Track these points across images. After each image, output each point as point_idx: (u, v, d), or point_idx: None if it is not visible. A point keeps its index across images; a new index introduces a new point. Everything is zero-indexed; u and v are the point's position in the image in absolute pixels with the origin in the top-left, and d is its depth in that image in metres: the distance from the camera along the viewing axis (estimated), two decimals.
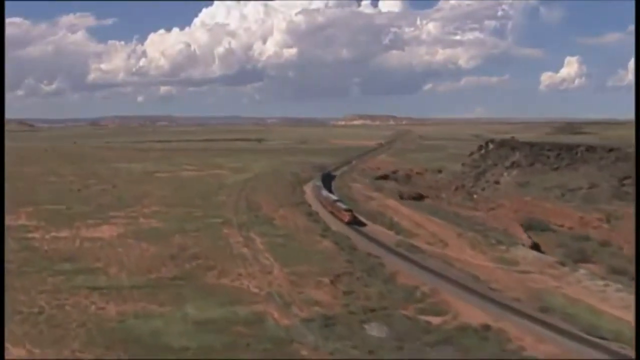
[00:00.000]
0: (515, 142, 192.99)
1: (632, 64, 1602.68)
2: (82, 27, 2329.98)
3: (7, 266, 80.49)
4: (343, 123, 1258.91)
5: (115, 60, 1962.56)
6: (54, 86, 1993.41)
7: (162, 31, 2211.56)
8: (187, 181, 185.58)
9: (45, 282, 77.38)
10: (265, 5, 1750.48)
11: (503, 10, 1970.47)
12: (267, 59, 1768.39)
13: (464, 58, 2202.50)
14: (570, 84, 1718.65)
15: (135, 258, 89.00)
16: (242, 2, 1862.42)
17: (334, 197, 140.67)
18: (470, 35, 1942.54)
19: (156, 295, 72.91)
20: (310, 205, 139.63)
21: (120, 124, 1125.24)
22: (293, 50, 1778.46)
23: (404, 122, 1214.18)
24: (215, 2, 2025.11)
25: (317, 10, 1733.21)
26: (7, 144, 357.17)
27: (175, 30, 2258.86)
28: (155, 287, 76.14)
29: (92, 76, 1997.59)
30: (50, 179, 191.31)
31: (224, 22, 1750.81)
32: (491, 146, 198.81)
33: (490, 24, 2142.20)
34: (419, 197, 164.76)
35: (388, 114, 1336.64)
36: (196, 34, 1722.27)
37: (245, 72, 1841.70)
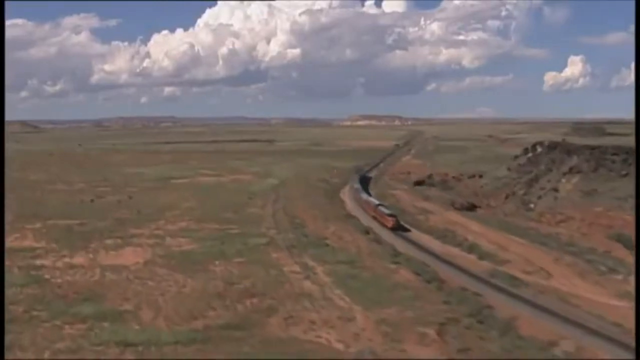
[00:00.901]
0: (570, 145, 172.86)
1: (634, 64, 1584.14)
2: (85, 28, 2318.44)
3: (12, 309, 62.64)
4: (348, 123, 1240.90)
5: (118, 61, 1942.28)
6: (57, 87, 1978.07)
7: (165, 32, 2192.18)
8: (210, 189, 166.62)
9: (61, 334, 58.05)
10: (269, 6, 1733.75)
11: (507, 10, 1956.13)
12: (270, 59, 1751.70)
13: (467, 58, 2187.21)
14: (574, 83, 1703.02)
15: (172, 296, 69.53)
16: (245, 2, 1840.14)
17: (375, 201, 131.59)
18: (474, 35, 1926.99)
19: (209, 354, 53.46)
20: (359, 219, 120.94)
21: (123, 125, 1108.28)
22: (297, 51, 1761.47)
23: (409, 123, 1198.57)
24: (219, 3, 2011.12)
25: (321, 10, 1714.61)
26: (11, 146, 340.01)
27: (179, 31, 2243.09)
28: (205, 342, 56.84)
29: (95, 77, 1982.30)
30: (58, 187, 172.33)
31: (228, 23, 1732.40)
32: (539, 149, 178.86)
33: (494, 24, 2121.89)
34: (472, 207, 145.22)
35: (393, 115, 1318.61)
36: (200, 34, 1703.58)
37: (248, 73, 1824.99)
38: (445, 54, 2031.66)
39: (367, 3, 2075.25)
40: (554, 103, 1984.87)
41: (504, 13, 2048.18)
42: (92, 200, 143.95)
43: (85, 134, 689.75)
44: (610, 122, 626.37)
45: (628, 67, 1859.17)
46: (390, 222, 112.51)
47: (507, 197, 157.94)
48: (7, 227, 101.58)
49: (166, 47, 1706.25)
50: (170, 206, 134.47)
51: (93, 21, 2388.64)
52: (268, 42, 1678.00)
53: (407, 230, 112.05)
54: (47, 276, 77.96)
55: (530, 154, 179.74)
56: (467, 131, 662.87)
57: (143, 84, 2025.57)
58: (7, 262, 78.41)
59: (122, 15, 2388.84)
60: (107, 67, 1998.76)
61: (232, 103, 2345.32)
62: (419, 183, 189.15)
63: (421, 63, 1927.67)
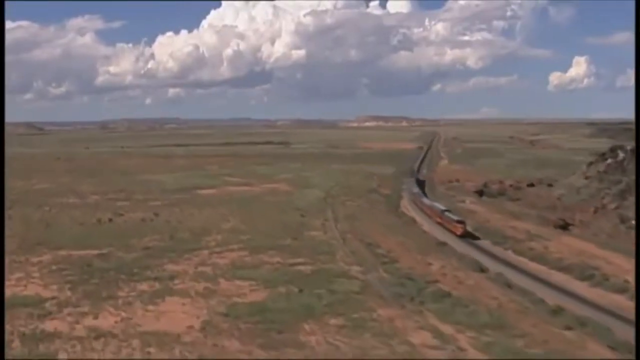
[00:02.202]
0: None
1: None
2: (90, 29, 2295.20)
3: None
4: (355, 124, 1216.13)
5: (123, 63, 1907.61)
6: (62, 89, 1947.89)
7: (170, 33, 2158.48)
8: (246, 203, 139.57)
9: None
10: (274, 7, 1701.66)
11: (512, 10, 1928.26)
12: (275, 60, 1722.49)
13: (472, 58, 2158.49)
14: (579, 84, 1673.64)
15: None
16: (250, 3, 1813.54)
17: (441, 207, 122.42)
18: (478, 36, 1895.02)
19: None
20: (450, 245, 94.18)
21: (128, 127, 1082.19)
22: (302, 52, 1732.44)
23: (417, 124, 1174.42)
24: (224, 4, 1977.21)
25: (326, 11, 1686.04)
26: (15, 149, 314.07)
27: (184, 32, 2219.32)
28: None
29: (100, 79, 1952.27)
30: (68, 199, 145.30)
31: (232, 24, 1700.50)
32: (621, 154, 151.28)
33: (499, 24, 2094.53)
34: (565, 226, 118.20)
35: (401, 115, 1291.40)
36: (204, 36, 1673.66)
37: (253, 74, 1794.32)
38: (450, 55, 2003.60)
39: (371, 4, 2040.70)
40: (558, 103, 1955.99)
41: (509, 13, 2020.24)
42: (110, 220, 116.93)
43: (91, 136, 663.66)
44: (624, 123, 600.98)
45: (632, 67, 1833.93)
46: (459, 229, 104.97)
47: (596, 212, 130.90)
48: (7, 261, 77.25)
49: (171, 48, 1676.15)
50: (209, 228, 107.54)
51: (98, 23, 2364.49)
52: (273, 43, 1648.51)
53: (476, 238, 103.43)
54: (63, 357, 50.68)
55: (609, 160, 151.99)
56: (484, 132, 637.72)
57: (148, 86, 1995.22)
58: (6, 326, 54.93)
59: (127, 16, 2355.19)
60: (111, 69, 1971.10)
61: (236, 104, 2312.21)
62: (479, 193, 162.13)
63: (426, 64, 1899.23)
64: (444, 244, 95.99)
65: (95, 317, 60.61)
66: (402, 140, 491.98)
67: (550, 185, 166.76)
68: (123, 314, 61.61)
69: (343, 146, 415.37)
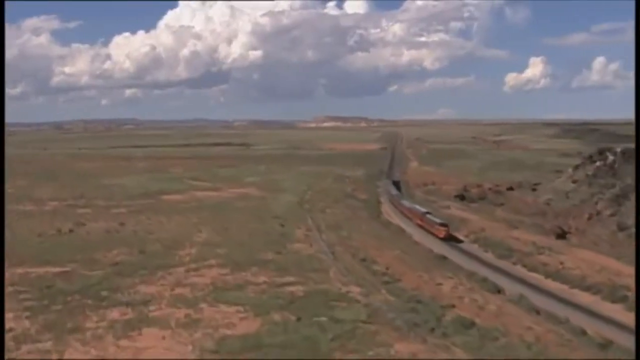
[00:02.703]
0: None
1: (597, 63, 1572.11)
2: (46, 30, 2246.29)
3: None
4: (313, 125, 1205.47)
5: (79, 64, 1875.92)
6: (18, 90, 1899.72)
7: (127, 34, 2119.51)
8: (217, 209, 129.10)
9: None
10: (231, 8, 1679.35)
11: (469, 11, 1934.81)
12: (232, 61, 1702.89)
13: (429, 59, 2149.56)
14: (535, 84, 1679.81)
15: None
16: (207, 3, 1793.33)
17: (422, 209, 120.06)
18: (435, 37, 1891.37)
19: None
20: (452, 260, 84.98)
21: (84, 128, 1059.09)
22: (258, 52, 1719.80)
23: (375, 124, 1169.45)
24: (180, 4, 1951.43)
25: (282, 12, 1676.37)
26: None
27: (140, 32, 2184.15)
28: None
29: (56, 79, 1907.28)
30: (25, 207, 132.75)
31: (189, 25, 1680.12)
32: (611, 157, 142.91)
33: (456, 25, 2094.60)
34: (563, 234, 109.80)
35: (359, 116, 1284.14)
36: (161, 36, 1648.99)
37: (210, 75, 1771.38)
38: (407, 56, 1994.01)
39: (328, 4, 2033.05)
40: (515, 104, 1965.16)
41: (465, 14, 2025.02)
42: (71, 230, 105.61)
43: (47, 137, 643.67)
44: (587, 123, 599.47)
45: (589, 68, 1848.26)
46: (442, 232, 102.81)
47: (590, 218, 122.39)
48: None
49: (127, 48, 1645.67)
50: (180, 239, 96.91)
51: (54, 23, 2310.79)
52: (229, 43, 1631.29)
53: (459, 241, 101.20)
54: None
55: (598, 163, 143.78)
56: (444, 132, 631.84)
57: (104, 86, 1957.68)
58: None
59: (83, 16, 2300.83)
60: (67, 69, 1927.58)
61: (193, 105, 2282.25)
62: (460, 197, 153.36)
63: (383, 64, 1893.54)
64: (443, 257, 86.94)
65: (60, 356, 49.93)
66: (364, 141, 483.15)
67: (534, 189, 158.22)
68: (93, 351, 51.37)
69: (305, 147, 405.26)
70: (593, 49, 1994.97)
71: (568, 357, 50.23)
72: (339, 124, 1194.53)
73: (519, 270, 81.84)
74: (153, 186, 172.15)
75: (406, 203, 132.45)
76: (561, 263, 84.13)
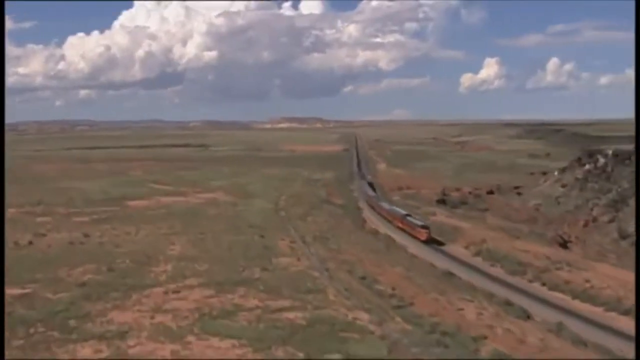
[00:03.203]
0: None
1: (551, 64, 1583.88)
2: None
3: None
4: (269, 126, 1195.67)
5: (33, 64, 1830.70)
6: None
7: (81, 34, 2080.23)
8: (187, 217, 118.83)
9: None
10: (186, 8, 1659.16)
11: (424, 12, 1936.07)
12: (187, 61, 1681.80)
13: (384, 60, 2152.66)
14: (490, 85, 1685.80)
15: None
16: (162, 3, 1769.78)
17: (401, 211, 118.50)
18: (391, 38, 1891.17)
19: None
20: (467, 280, 74.95)
21: (39, 129, 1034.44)
22: (213, 53, 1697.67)
23: (331, 125, 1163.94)
24: (136, 4, 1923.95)
25: (238, 12, 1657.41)
26: None
27: (95, 33, 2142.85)
28: None
29: (9, 80, 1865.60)
30: None
31: (144, 25, 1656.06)
32: (602, 159, 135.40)
33: (411, 26, 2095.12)
34: (564, 243, 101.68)
35: (315, 117, 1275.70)
36: (116, 36, 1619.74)
37: (165, 75, 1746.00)
38: (362, 56, 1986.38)
39: (284, 5, 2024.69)
40: (470, 104, 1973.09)
41: (421, 15, 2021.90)
42: (30, 243, 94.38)
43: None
44: (551, 124, 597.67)
45: (543, 68, 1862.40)
46: (423, 234, 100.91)
47: (586, 225, 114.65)
48: None
49: (82, 49, 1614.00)
50: (153, 253, 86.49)
51: (7, 23, 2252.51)
52: (184, 44, 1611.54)
53: (441, 244, 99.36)
54: None
55: (588, 167, 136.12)
56: (404, 133, 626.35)
57: (58, 87, 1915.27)
58: None
59: (37, 17, 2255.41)
60: (21, 70, 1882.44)
61: (148, 106, 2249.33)
62: (441, 202, 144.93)
63: (338, 65, 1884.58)
64: (450, 274, 77.75)
65: None
66: (324, 142, 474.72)
67: (518, 193, 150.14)
68: None
69: (265, 149, 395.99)
70: (548, 50, 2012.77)
71: None
72: (294, 124, 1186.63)
73: (540, 290, 73.12)
74: (115, 191, 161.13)
75: (385, 205, 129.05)
76: (587, 281, 75.13)
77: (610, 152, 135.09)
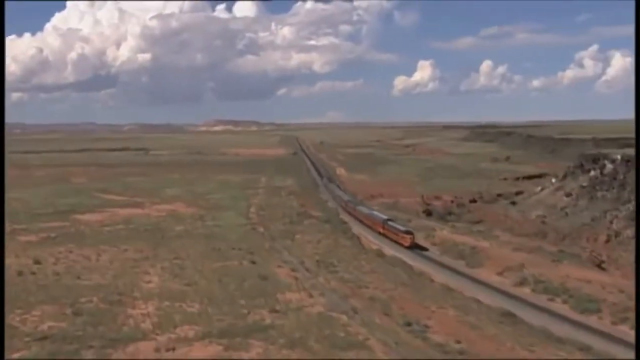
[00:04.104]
0: None
1: (484, 67, 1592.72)
2: None
3: None
4: (204, 129, 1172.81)
5: None
6: None
7: (12, 36, 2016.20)
8: (153, 236, 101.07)
9: None
10: (119, 10, 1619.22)
11: (358, 15, 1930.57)
12: (121, 64, 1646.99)
13: (318, 63, 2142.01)
14: (423, 87, 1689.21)
15: None
16: (96, 3, 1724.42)
17: (382, 215, 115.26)
18: (325, 40, 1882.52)
19: None
20: (534, 323, 58.69)
21: None
22: (147, 55, 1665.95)
23: (266, 127, 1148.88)
24: (68, 5, 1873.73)
25: (172, 15, 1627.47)
26: None
27: (27, 35, 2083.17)
28: None
29: None
30: None
31: (77, 27, 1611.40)
32: (610, 165, 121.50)
33: (345, 28, 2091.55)
34: (599, 264, 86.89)
35: (250, 119, 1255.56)
36: (48, 39, 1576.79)
37: (98, 78, 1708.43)
38: (296, 59, 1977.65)
39: (218, 7, 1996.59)
40: (403, 107, 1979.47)
41: (355, 18, 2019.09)
42: None
43: None
44: (495, 126, 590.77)
45: (476, 71, 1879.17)
46: (407, 240, 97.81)
47: (608, 241, 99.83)
48: None
49: (13, 51, 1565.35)
50: (126, 288, 68.49)
51: None
52: (118, 46, 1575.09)
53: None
54: None
55: (593, 173, 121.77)
56: (344, 136, 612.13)
57: None
58: None
59: None
60: None
61: (81, 109, 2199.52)
62: (426, 213, 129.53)
63: (272, 68, 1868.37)
64: (511, 314, 61.17)
65: None
66: (267, 145, 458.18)
67: (513, 202, 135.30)
68: None
69: (208, 152, 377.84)
70: (481, 52, 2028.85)
71: None
72: (229, 127, 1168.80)
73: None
74: (60, 202, 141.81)
75: (364, 210, 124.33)
76: None
77: (618, 157, 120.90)
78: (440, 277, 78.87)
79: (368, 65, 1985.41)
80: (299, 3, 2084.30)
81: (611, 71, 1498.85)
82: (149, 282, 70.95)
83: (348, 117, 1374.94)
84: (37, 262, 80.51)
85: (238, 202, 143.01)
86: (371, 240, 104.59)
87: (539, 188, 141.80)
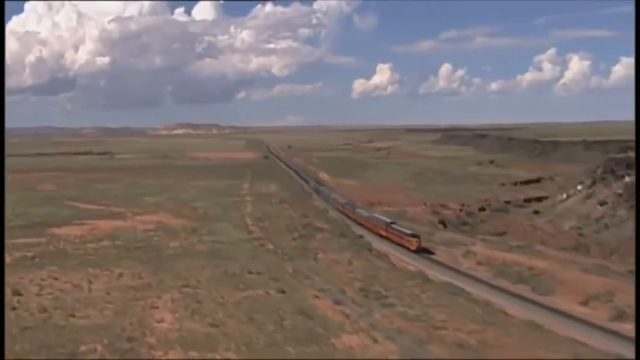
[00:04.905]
0: None
1: (443, 70, 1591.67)
2: None
3: None
4: (164, 132, 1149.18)
5: None
6: None
7: None
8: (145, 255, 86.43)
9: None
10: (78, 13, 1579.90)
11: (317, 18, 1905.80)
12: (79, 67, 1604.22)
13: (277, 66, 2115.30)
14: (382, 91, 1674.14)
15: None
16: (54, 4, 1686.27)
17: (384, 219, 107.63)
18: (284, 44, 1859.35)
19: None
20: None
21: None
22: (106, 59, 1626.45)
23: (227, 131, 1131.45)
24: (26, 8, 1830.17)
25: (131, 18, 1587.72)
26: None
27: None
28: None
29: None
30: None
31: (35, 30, 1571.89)
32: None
33: (305, 32, 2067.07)
34: None
35: (210, 123, 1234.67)
36: (6, 42, 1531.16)
37: (56, 81, 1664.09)
38: (255, 62, 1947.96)
39: (176, 11, 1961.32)
40: (362, 110, 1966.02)
41: (314, 21, 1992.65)
42: None
43: None
44: (469, 129, 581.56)
45: (435, 74, 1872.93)
46: (414, 243, 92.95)
47: None
48: None
49: None
50: (132, 329, 53.45)
51: None
52: (76, 49, 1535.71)
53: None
54: None
55: (629, 179, 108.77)
56: (310, 139, 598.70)
57: None
58: None
59: None
60: None
61: (39, 112, 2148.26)
62: (441, 223, 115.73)
63: (231, 71, 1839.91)
64: None
65: None
66: (234, 149, 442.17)
67: (536, 211, 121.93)
68: None
69: (175, 156, 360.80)
70: (440, 55, 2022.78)
71: None
72: (190, 131, 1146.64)
73: None
74: (31, 212, 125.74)
75: (363, 212, 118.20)
76: None
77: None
78: (515, 309, 64.54)
79: (327, 68, 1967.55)
80: (258, 6, 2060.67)
81: (569, 74, 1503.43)
82: (162, 320, 55.76)
83: (307, 120, 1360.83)
84: (16, 292, 64.77)
85: (229, 212, 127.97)
86: (401, 257, 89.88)
87: (564, 195, 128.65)
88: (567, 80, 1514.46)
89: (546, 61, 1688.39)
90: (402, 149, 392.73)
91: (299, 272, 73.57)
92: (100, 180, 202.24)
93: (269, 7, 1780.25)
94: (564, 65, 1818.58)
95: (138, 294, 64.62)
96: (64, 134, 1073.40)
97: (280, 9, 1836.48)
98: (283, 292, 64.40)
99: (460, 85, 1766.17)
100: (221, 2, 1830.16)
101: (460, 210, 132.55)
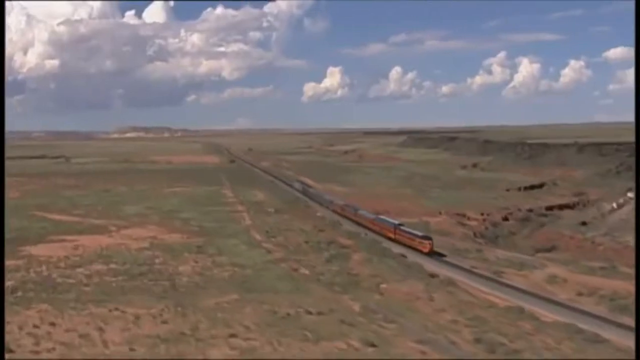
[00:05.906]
0: None
1: (393, 73, 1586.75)
2: None
3: None
4: (116, 136, 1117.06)
5: None
6: None
7: None
8: (155, 284, 68.14)
9: None
10: (27, 16, 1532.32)
11: (268, 21, 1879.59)
12: (28, 70, 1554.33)
13: (227, 69, 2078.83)
14: (333, 94, 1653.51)
15: None
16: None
17: (392, 221, 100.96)
18: (234, 47, 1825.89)
19: None
20: None
21: None
22: (55, 62, 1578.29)
23: (178, 134, 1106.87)
24: None
25: (80, 20, 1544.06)
26: None
27: None
28: None
29: None
30: None
31: None
32: None
33: (255, 35, 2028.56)
34: None
35: (161, 126, 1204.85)
36: None
37: (6, 84, 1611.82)
38: (205, 66, 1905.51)
39: (127, 13, 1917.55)
40: (313, 113, 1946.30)
41: (265, 24, 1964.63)
42: None
43: None
44: (438, 132, 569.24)
45: (386, 77, 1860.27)
46: (427, 246, 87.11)
47: None
48: None
49: None
50: None
51: None
52: (25, 52, 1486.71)
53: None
54: None
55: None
56: (269, 142, 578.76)
57: None
58: None
59: None
60: None
61: None
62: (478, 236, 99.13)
63: (181, 74, 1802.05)
64: None
65: None
66: (194, 153, 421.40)
67: (584, 223, 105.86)
68: None
69: (136, 160, 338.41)
70: (390, 59, 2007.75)
71: None
72: (141, 134, 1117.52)
73: None
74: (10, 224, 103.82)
75: (367, 214, 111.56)
76: None
77: None
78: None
79: (278, 71, 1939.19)
80: (209, 9, 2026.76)
81: (518, 77, 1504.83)
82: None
83: (257, 123, 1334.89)
84: (6, 348, 45.49)
85: (227, 225, 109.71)
86: (469, 283, 71.68)
87: (614, 204, 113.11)
88: (516, 84, 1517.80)
89: (496, 64, 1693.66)
90: (370, 152, 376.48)
91: (372, 311, 55.78)
92: (67, 187, 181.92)
93: (219, 10, 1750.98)
94: (514, 69, 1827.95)
95: (173, 348, 46.06)
96: (14, 137, 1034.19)
97: (231, 12, 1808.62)
98: (373, 345, 46.33)
99: (410, 88, 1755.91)
100: (171, 4, 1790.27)
101: (484, 220, 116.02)
